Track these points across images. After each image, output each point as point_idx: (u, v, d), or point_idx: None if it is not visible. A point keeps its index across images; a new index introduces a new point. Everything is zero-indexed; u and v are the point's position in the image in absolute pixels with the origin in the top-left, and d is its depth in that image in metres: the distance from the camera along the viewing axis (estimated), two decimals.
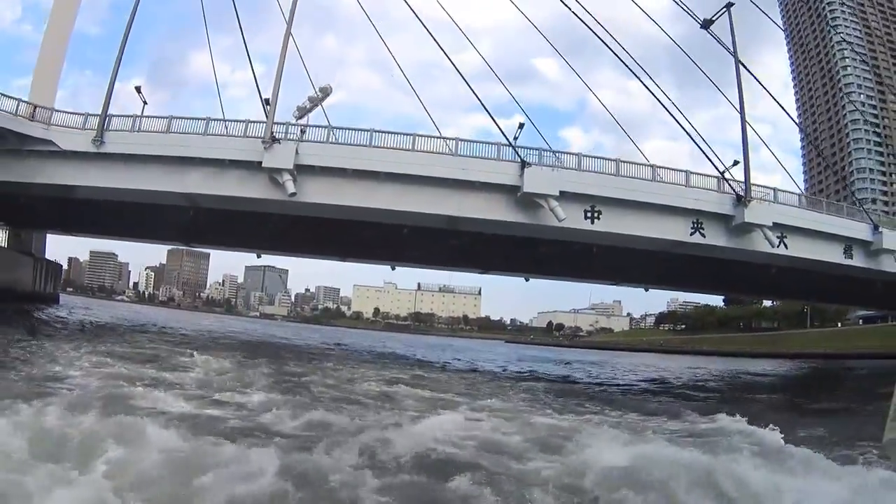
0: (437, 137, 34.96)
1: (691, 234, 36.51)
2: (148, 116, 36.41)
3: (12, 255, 51.65)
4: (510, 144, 33.64)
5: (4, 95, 35.68)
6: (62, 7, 50.60)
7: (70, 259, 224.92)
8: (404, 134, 34.50)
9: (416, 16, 37.55)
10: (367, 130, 34.23)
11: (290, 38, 38.36)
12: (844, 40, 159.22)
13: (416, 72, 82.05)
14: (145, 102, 41.65)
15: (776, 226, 37.26)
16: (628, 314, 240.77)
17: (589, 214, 34.32)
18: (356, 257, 55.93)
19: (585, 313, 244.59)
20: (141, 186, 35.45)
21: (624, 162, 36.39)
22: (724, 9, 42.54)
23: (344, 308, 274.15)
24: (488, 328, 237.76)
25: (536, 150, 34.41)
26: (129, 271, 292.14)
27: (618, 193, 34.79)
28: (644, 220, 35.67)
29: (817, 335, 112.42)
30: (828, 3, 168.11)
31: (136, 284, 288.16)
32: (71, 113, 36.57)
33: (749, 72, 44.13)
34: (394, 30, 55.84)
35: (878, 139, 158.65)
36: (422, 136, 34.71)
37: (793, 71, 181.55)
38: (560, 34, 51.74)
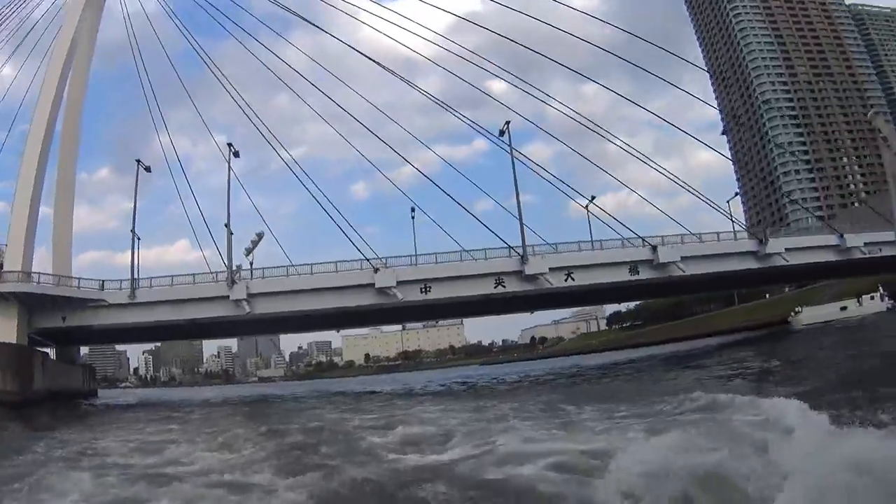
0: (327, 262, 63.93)
1: (495, 288, 64.24)
2: (158, 276, 66.14)
3: (69, 366, 76.90)
4: (366, 259, 62.23)
5: (76, 278, 65.69)
6: (63, 203, 77.49)
7: None
8: (307, 265, 63.95)
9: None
10: (285, 266, 64.21)
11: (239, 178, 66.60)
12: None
13: (372, 115, 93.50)
14: (139, 238, 71.07)
15: (558, 269, 64.25)
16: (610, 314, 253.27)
17: (422, 290, 62.76)
18: (308, 330, 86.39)
19: (566, 322, 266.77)
20: (158, 318, 64.20)
21: (442, 253, 64.96)
22: (505, 125, 69.89)
23: (337, 359, 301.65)
24: (475, 354, 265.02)
25: (384, 258, 63.06)
26: (128, 358, 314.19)
27: (441, 274, 63.44)
28: (461, 285, 63.92)
29: (740, 311, 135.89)
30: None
31: (136, 370, 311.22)
32: (113, 280, 65.98)
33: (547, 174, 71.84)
34: (345, 78, 74.14)
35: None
36: (319, 263, 63.70)
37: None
38: (509, 54, 74.53)
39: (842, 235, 71.99)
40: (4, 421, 40.49)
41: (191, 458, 19.17)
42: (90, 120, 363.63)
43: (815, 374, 28.68)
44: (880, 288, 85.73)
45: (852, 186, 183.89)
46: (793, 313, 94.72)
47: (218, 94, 63.79)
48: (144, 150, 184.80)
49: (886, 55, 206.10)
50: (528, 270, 63.51)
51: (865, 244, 71.40)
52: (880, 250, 71.98)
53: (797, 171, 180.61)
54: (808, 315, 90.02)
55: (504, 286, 64.38)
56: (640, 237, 68.31)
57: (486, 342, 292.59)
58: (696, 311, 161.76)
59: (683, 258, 66.12)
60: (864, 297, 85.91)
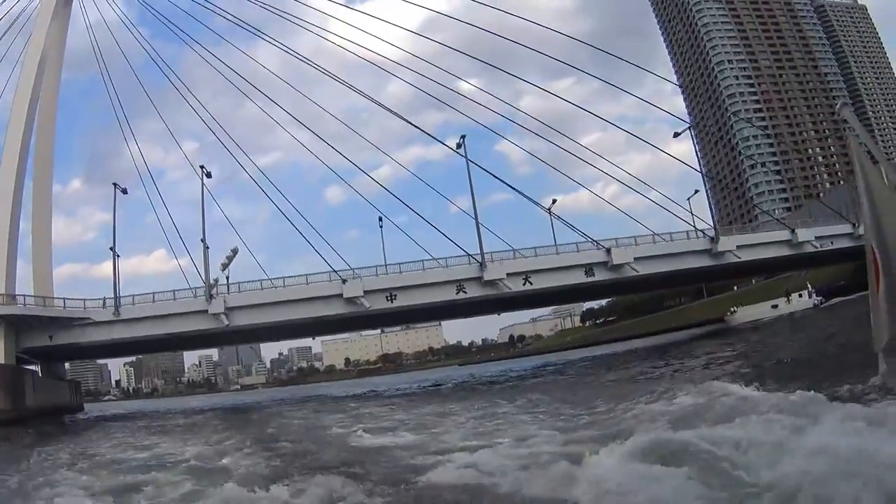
0: (297, 276, 68.76)
1: (457, 294, 68.89)
2: (140, 294, 69.98)
3: (56, 382, 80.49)
4: (335, 271, 66.67)
5: (62, 298, 69.73)
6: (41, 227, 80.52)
7: None
8: (280, 278, 68.96)
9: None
10: (260, 281, 68.36)
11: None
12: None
13: (346, 118, 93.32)
14: (118, 255, 74.16)
15: (515, 274, 69.06)
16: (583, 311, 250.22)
17: (388, 298, 67.48)
18: (284, 339, 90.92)
19: (545, 319, 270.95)
20: (143, 333, 68.47)
21: (406, 263, 69.77)
22: (461, 138, 74.28)
23: (317, 364, 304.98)
24: (454, 354, 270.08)
25: (352, 269, 67.58)
26: (110, 371, 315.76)
27: (405, 283, 68.09)
28: (425, 292, 68.54)
29: (709, 304, 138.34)
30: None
31: (118, 382, 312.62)
32: (96, 299, 69.79)
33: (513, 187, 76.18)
34: (315, 84, 78.44)
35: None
36: (291, 277, 68.86)
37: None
38: (480, 52, 77.54)
39: (793, 231, 76.50)
40: (2, 436, 43.92)
41: (178, 452, 22.91)
42: (60, 131, 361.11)
43: (734, 368, 32.18)
44: (808, 286, 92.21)
45: (818, 178, 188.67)
46: (729, 312, 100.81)
47: (190, 99, 67.18)
48: (117, 161, 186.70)
49: (848, 45, 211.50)
50: (487, 276, 68.24)
51: (816, 238, 75.97)
52: (831, 243, 76.41)
53: (763, 164, 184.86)
54: (743, 314, 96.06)
55: (465, 292, 69.10)
56: (593, 240, 72.75)
57: (465, 342, 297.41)
58: (668, 305, 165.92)
59: (637, 259, 70.67)
60: (793, 295, 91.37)
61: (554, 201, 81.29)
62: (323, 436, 24.37)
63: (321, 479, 13.19)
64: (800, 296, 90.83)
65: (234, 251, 72.53)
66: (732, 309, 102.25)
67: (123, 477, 17.67)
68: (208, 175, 73.41)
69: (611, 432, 14.72)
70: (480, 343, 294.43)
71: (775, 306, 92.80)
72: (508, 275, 68.74)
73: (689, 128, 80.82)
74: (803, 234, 75.80)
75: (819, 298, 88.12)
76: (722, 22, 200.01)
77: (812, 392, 13.08)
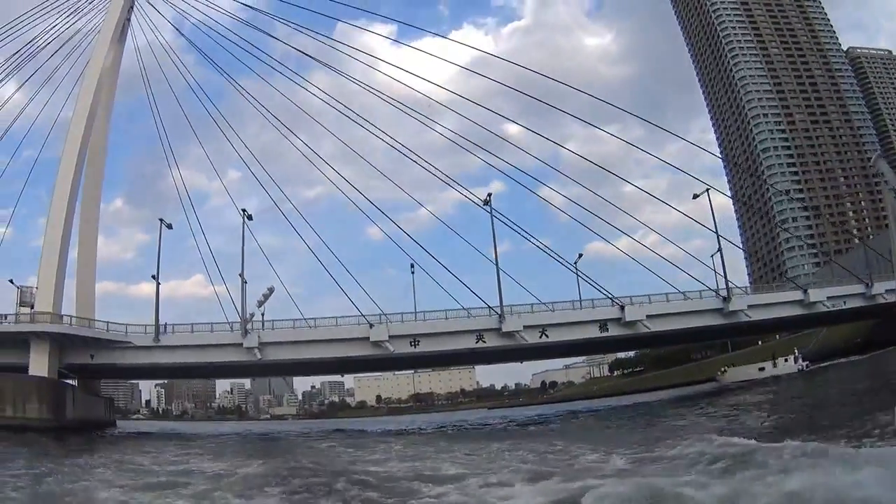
0: (328, 317, 73.81)
1: (476, 343, 73.53)
2: (179, 324, 75.59)
3: (93, 398, 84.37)
4: (363, 315, 71.53)
5: (105, 321, 75.06)
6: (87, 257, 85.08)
7: None
8: (310, 318, 73.81)
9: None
10: (293, 320, 73.73)
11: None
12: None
13: (390, 156, 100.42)
14: (159, 283, 79.68)
15: (532, 327, 73.00)
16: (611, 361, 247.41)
17: (412, 343, 72.28)
18: (313, 374, 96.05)
19: (577, 367, 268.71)
20: (181, 360, 74.21)
21: (430, 312, 74.85)
22: (488, 196, 78.18)
23: (349, 399, 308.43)
24: (486, 397, 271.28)
25: (378, 315, 72.50)
26: (140, 390, 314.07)
27: (428, 330, 73.06)
28: (446, 339, 73.46)
29: (733, 357, 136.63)
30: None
31: (148, 402, 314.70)
32: (138, 325, 75.21)
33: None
34: (359, 121, 79.68)
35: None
36: (322, 318, 73.67)
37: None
38: (525, 99, 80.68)
39: (805, 291, 79.79)
40: (47, 443, 48.88)
41: (203, 466, 27.80)
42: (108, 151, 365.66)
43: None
44: (796, 350, 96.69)
45: (849, 233, 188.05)
46: (719, 373, 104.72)
47: (238, 127, 70.83)
48: (161, 184, 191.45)
49: (882, 97, 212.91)
50: (505, 328, 72.50)
51: (829, 298, 79.08)
52: (844, 303, 79.76)
53: (794, 220, 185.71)
54: (732, 374, 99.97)
55: (484, 342, 73.49)
56: (610, 296, 75.93)
57: (497, 385, 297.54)
58: (694, 358, 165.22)
59: (649, 316, 74.16)
60: (779, 359, 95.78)
61: (580, 255, 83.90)
62: (335, 461, 29.11)
63: (319, 492, 17.40)
64: (786, 360, 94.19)
65: (271, 290, 77.18)
66: (723, 369, 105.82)
67: (149, 480, 22.44)
68: (249, 217, 78.24)
69: (552, 472, 19.28)
70: (513, 387, 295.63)
71: (762, 369, 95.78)
72: (525, 327, 72.72)
73: (707, 190, 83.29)
74: (815, 294, 78.87)
75: (805, 363, 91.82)
76: (758, 75, 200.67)
77: None
